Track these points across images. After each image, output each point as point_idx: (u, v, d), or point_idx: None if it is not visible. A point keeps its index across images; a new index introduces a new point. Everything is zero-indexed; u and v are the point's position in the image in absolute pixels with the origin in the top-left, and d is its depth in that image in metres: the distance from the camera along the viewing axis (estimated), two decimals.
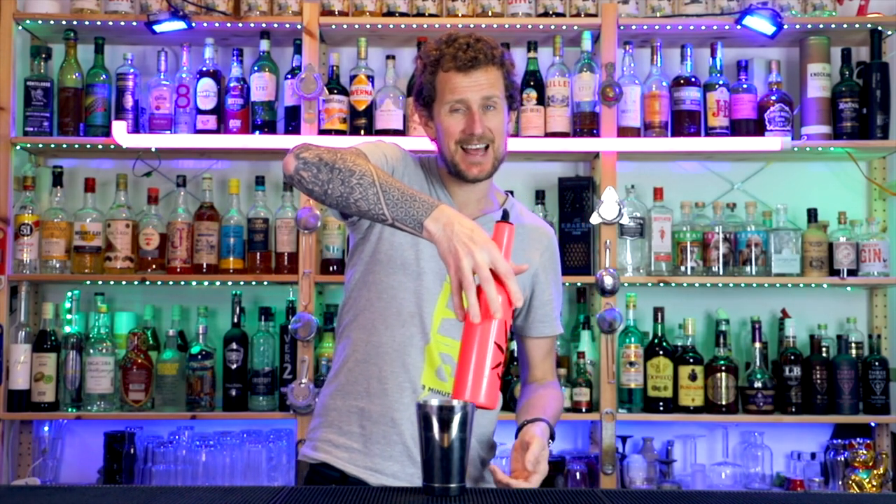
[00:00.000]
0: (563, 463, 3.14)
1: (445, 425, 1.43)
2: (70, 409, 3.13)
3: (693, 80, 3.25)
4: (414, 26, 3.20)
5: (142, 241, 3.19)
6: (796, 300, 3.34)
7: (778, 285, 3.26)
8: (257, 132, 3.22)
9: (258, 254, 3.21)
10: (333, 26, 3.21)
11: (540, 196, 3.29)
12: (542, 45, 3.34)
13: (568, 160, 3.42)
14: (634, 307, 3.23)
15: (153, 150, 3.22)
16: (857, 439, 3.09)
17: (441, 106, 1.91)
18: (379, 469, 1.89)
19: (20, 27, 3.24)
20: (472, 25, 3.13)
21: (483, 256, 1.51)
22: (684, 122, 3.23)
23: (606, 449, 3.09)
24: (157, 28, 3.14)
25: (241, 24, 3.20)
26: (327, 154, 1.69)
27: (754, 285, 3.27)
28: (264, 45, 3.26)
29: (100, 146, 3.20)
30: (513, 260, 1.58)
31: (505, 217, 1.61)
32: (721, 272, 3.20)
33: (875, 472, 3.03)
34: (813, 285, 3.26)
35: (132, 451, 3.11)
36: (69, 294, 3.19)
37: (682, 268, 3.20)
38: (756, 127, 3.25)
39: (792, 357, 3.18)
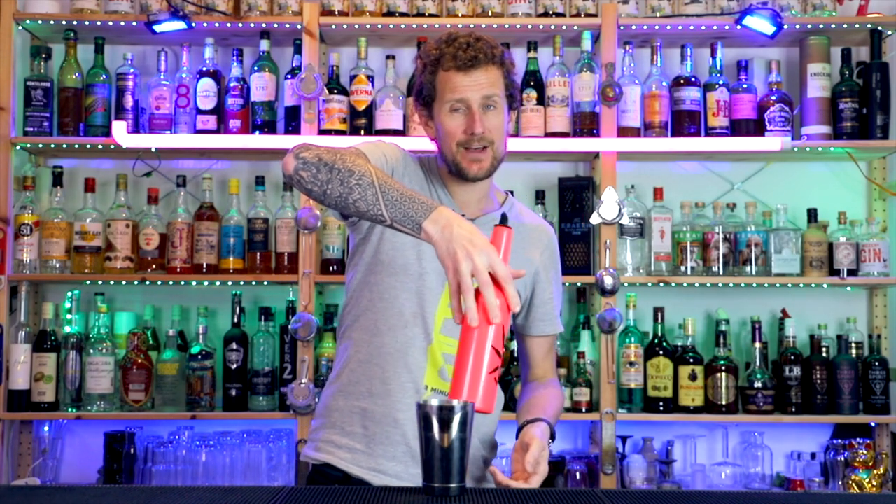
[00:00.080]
0: (563, 463, 3.14)
1: (445, 425, 1.43)
2: (70, 409, 3.13)
3: (693, 80, 3.24)
4: (414, 26, 3.20)
5: (142, 241, 3.19)
6: (796, 300, 3.34)
7: (778, 285, 3.26)
8: (257, 132, 3.22)
9: (258, 254, 3.21)
10: (333, 26, 3.21)
11: (540, 196, 3.29)
12: (542, 45, 3.34)
13: (568, 160, 3.42)
14: (634, 307, 3.23)
15: (153, 150, 3.22)
16: (857, 439, 3.09)
17: (441, 105, 1.91)
18: (382, 469, 1.88)
19: (20, 27, 3.24)
20: (472, 25, 3.13)
21: (482, 260, 1.51)
22: (684, 122, 3.23)
23: (606, 449, 3.09)
24: (157, 28, 3.14)
25: (241, 24, 3.20)
26: (327, 154, 1.69)
27: (754, 285, 3.27)
28: (264, 45, 3.26)
29: (100, 146, 3.20)
30: (513, 260, 1.58)
31: (503, 221, 1.61)
32: (721, 272, 3.20)
33: (875, 472, 3.03)
34: (813, 285, 3.26)
35: (132, 451, 3.11)
36: (69, 294, 3.19)
37: (682, 268, 3.20)
38: (756, 127, 3.24)
39: (792, 357, 3.18)
